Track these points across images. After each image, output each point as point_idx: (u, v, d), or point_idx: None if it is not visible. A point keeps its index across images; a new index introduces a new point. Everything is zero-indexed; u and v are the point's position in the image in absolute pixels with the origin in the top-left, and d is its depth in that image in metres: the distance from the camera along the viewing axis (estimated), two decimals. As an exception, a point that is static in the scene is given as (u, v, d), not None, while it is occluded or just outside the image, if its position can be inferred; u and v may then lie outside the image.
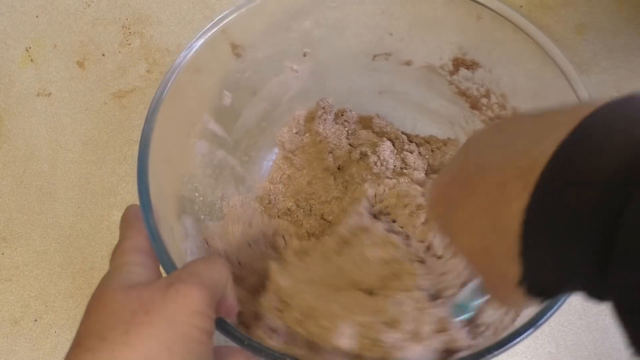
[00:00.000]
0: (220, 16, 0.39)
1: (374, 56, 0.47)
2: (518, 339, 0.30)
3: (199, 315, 0.25)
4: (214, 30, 0.38)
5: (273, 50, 0.44)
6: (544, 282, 0.21)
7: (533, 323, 0.31)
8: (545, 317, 0.31)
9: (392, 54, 0.46)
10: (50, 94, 0.56)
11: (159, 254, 0.31)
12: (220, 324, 0.30)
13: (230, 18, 0.39)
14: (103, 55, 0.58)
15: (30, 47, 0.58)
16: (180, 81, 0.37)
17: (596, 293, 0.20)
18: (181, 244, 0.37)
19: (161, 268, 0.31)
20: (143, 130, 0.34)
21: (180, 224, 0.38)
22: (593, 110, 0.19)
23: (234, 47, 0.41)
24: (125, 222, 0.33)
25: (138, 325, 0.24)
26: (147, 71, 0.57)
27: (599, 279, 0.19)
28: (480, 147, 0.25)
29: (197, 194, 0.42)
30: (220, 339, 0.30)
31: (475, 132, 0.28)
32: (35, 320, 0.48)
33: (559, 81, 0.36)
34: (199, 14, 0.59)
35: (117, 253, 0.31)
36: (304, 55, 0.46)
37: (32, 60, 0.58)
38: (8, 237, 0.51)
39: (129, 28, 0.59)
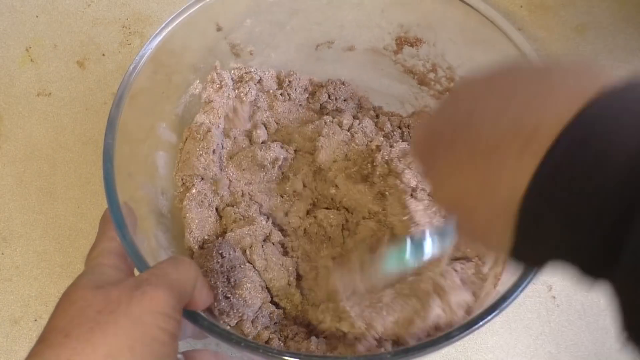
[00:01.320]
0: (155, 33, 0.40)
1: (317, 46, 0.47)
2: (484, 321, 0.30)
3: (163, 317, 0.26)
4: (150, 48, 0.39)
5: (221, 53, 0.45)
6: (536, 254, 0.22)
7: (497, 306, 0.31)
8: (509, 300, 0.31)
9: (334, 42, 0.47)
10: (50, 94, 0.56)
11: (135, 259, 0.31)
12: (215, 330, 0.30)
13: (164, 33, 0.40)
14: (103, 55, 0.58)
15: (30, 47, 0.58)
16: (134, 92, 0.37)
17: (593, 269, 0.20)
18: (157, 255, 0.37)
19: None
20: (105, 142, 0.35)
21: (154, 236, 0.38)
22: (599, 92, 0.19)
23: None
24: (103, 222, 0.33)
25: (103, 324, 0.24)
26: (147, 71, 0.57)
27: (603, 255, 0.19)
28: (472, 97, 0.24)
29: (164, 204, 0.43)
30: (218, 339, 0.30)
31: (465, 77, 0.27)
32: (35, 320, 0.48)
33: (502, 40, 0.37)
34: (199, 14, 0.59)
35: (92, 254, 0.31)
36: (250, 54, 0.46)
37: (32, 60, 0.58)
38: (8, 237, 0.51)
39: (129, 28, 0.59)
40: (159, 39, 0.39)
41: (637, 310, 0.18)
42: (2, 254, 0.50)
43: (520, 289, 0.31)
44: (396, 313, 0.37)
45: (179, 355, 0.32)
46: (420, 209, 0.41)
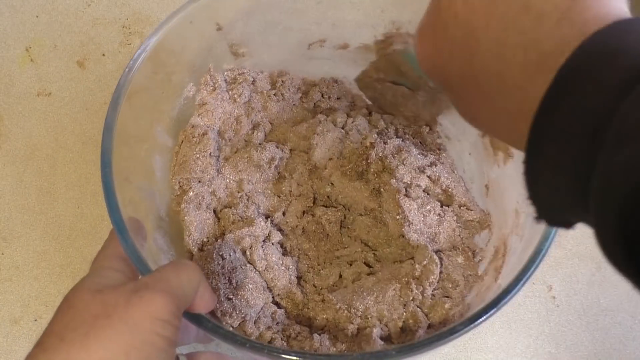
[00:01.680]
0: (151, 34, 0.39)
1: (310, 45, 0.47)
2: (487, 315, 0.31)
3: (161, 323, 0.25)
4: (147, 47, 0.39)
5: (220, 53, 0.45)
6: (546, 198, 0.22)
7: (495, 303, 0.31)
8: (507, 298, 0.31)
9: (326, 40, 0.47)
10: (50, 93, 0.56)
11: (136, 262, 0.31)
12: (220, 331, 0.30)
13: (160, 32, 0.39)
14: (103, 55, 0.58)
15: (30, 47, 0.58)
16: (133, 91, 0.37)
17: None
18: (158, 258, 0.37)
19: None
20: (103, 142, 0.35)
21: (153, 240, 0.38)
22: (603, 28, 0.20)
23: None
24: (113, 231, 0.33)
25: (98, 329, 0.24)
26: (147, 71, 0.57)
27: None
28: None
29: (162, 207, 0.43)
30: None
31: None
32: (35, 320, 0.48)
33: None
34: (199, 14, 0.59)
35: (97, 258, 0.31)
36: (243, 55, 0.46)
37: (32, 60, 0.58)
38: (8, 237, 0.51)
39: (129, 28, 0.59)
40: (155, 38, 0.39)
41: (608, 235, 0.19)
42: (2, 254, 0.50)
43: (522, 282, 0.31)
44: (375, 292, 0.38)
45: (182, 358, 0.32)
46: (414, 208, 0.42)
